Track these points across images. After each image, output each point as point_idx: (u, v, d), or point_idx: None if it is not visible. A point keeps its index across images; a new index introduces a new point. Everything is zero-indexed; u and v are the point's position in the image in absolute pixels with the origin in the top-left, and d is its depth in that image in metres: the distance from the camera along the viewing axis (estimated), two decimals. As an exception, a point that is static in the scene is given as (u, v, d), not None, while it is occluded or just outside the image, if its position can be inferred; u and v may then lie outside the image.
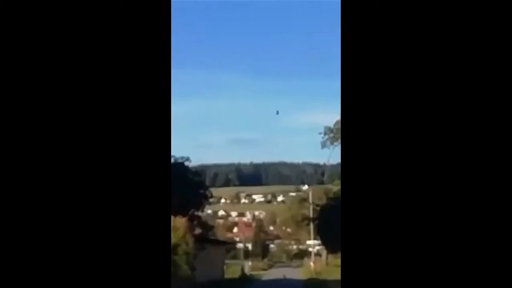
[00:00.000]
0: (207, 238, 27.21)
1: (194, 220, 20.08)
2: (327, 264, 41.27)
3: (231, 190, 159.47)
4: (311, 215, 48.21)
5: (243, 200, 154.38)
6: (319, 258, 48.97)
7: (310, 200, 49.71)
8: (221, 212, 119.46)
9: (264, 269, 45.60)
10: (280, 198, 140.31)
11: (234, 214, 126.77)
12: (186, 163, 27.49)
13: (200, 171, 35.52)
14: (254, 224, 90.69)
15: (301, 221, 53.55)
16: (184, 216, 16.83)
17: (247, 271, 37.60)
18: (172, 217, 15.30)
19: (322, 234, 36.04)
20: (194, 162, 30.36)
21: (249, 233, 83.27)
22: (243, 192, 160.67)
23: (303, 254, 70.77)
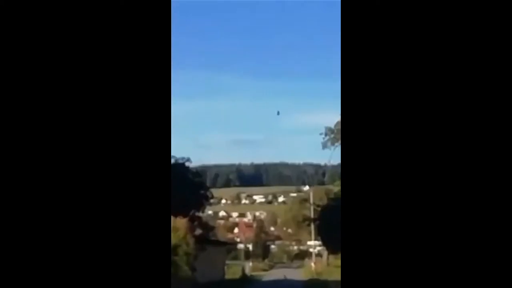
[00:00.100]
0: (207, 238, 27.22)
1: (195, 221, 20.07)
2: (328, 264, 41.27)
3: (232, 190, 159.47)
4: (312, 215, 48.21)
5: (243, 201, 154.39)
6: (320, 259, 49.00)
7: (311, 200, 49.72)
8: (221, 213, 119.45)
9: (265, 270, 45.60)
10: (281, 199, 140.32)
11: (234, 214, 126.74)
12: (187, 164, 27.51)
13: (200, 172, 35.52)
14: (254, 225, 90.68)
15: (302, 222, 53.56)
16: (184, 216, 16.82)
17: (247, 271, 37.61)
18: (173, 218, 15.28)
19: (323, 234, 36.01)
20: (195, 162, 30.42)
21: (250, 234, 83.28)
22: (243, 192, 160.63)
23: (304, 254, 70.77)
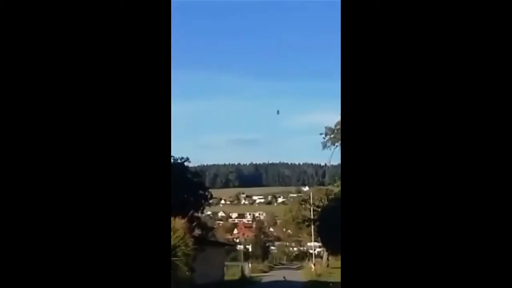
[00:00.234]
0: (206, 239, 27.14)
1: (194, 221, 20.02)
2: (327, 266, 41.26)
3: (231, 191, 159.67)
4: (312, 216, 48.26)
5: (243, 201, 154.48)
6: (319, 260, 48.95)
7: (311, 201, 49.70)
8: (221, 213, 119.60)
9: (265, 271, 45.47)
10: (280, 199, 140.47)
11: (234, 215, 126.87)
12: (186, 164, 27.44)
13: (199, 172, 35.49)
14: (254, 226, 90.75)
15: (302, 223, 53.53)
16: (183, 217, 16.74)
17: (247, 273, 37.50)
18: (172, 219, 15.22)
19: (322, 235, 36.06)
20: (194, 162, 30.37)
21: (249, 235, 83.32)
22: (243, 193, 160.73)
23: (303, 256, 70.83)
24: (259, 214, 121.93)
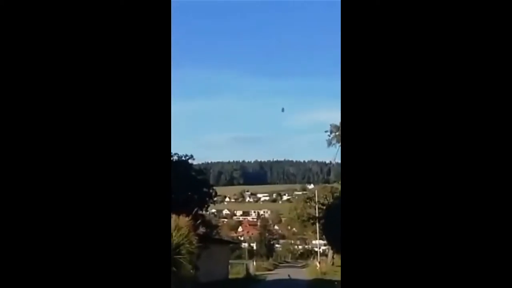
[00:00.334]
0: (211, 237, 27.15)
1: (198, 219, 19.98)
2: (333, 264, 41.13)
3: (236, 188, 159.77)
4: (316, 214, 48.20)
5: (247, 199, 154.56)
6: (325, 258, 48.87)
7: (316, 199, 49.64)
8: (225, 211, 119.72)
9: (269, 269, 45.44)
10: (285, 197, 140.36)
11: (238, 213, 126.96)
12: (190, 161, 27.44)
13: (204, 170, 35.51)
14: (259, 224, 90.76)
15: (307, 221, 53.44)
16: (187, 215, 16.74)
17: (251, 271, 37.47)
18: (176, 216, 15.24)
19: (327, 233, 35.97)
20: (198, 160, 30.35)
21: (254, 233, 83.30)
22: (247, 190, 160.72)
23: (308, 254, 70.79)
24: (264, 212, 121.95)
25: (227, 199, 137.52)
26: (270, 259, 62.27)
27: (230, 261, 35.81)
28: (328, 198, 45.92)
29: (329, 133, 38.83)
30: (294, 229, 75.72)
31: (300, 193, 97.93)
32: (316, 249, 60.73)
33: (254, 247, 71.05)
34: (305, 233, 68.73)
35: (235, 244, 54.73)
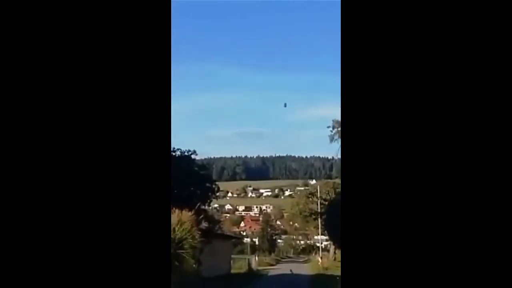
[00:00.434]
0: (213, 232, 27.13)
1: (201, 214, 19.96)
2: (335, 259, 41.15)
3: (238, 184, 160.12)
4: (318, 209, 48.24)
5: (250, 194, 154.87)
6: (326, 254, 48.92)
7: (318, 194, 49.65)
8: (228, 206, 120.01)
9: (271, 264, 45.49)
10: (287, 193, 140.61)
11: (241, 208, 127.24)
12: (193, 157, 27.38)
13: (206, 165, 35.47)
14: (261, 219, 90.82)
15: (309, 216, 53.48)
16: (190, 210, 16.69)
17: (254, 266, 37.49)
18: (179, 211, 15.21)
19: (329, 229, 35.92)
20: (201, 155, 30.33)
21: (256, 228, 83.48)
22: (250, 186, 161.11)
23: (310, 249, 70.91)
24: (266, 207, 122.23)
25: (229, 194, 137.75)
26: (272, 254, 62.40)
27: (233, 256, 35.85)
28: (330, 194, 45.93)
29: (331, 128, 38.73)
30: (296, 224, 75.72)
31: (302, 188, 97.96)
32: (318, 245, 60.85)
33: (256, 242, 71.24)
34: (307, 228, 68.76)
35: (238, 239, 54.76)
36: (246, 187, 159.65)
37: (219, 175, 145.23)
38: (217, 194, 30.14)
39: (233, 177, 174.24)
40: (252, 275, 31.20)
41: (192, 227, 16.02)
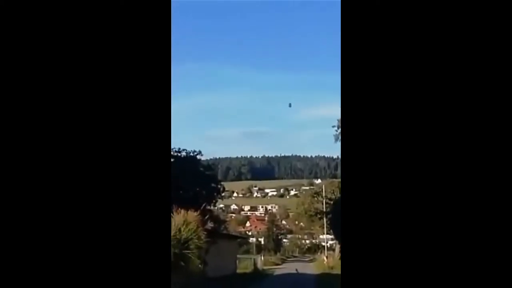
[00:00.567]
0: (219, 232, 27.21)
1: (206, 214, 20.03)
2: (340, 258, 41.07)
3: (244, 184, 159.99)
4: (324, 209, 48.22)
5: (255, 194, 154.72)
6: (332, 253, 48.85)
7: (323, 194, 49.63)
8: (233, 206, 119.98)
9: (277, 264, 45.47)
10: (293, 192, 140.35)
11: (246, 208, 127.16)
12: (198, 157, 27.48)
13: (212, 165, 35.56)
14: (266, 218, 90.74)
15: (314, 215, 53.46)
16: (196, 210, 16.74)
17: (259, 265, 37.51)
18: (184, 211, 15.27)
19: (335, 228, 35.92)
20: (206, 156, 30.41)
21: (262, 227, 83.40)
22: (255, 186, 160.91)
23: (316, 248, 70.81)
24: (272, 207, 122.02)
25: (235, 194, 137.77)
26: (278, 254, 62.37)
27: (238, 255, 35.90)
28: (335, 193, 45.88)
29: (336, 128, 38.59)
30: (301, 224, 75.71)
31: (307, 188, 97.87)
32: (323, 244, 60.76)
33: (262, 242, 71.17)
34: (312, 227, 68.75)
35: (243, 239, 54.76)
36: (252, 187, 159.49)
37: (224, 175, 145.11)
38: (223, 194, 30.25)
39: (238, 177, 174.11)
40: (257, 274, 31.20)
41: (197, 227, 16.07)
